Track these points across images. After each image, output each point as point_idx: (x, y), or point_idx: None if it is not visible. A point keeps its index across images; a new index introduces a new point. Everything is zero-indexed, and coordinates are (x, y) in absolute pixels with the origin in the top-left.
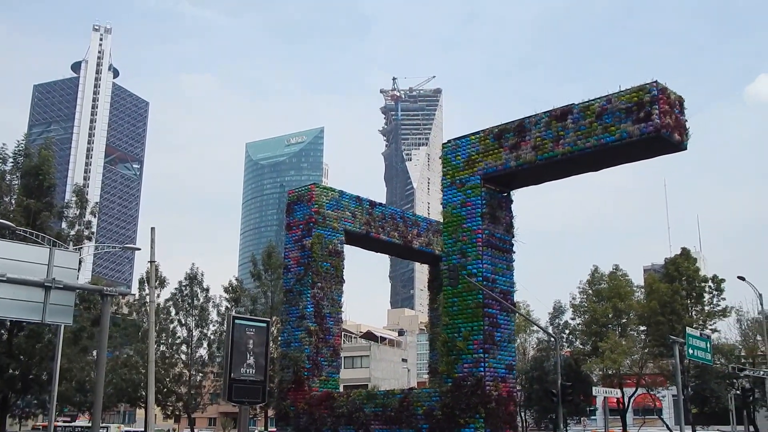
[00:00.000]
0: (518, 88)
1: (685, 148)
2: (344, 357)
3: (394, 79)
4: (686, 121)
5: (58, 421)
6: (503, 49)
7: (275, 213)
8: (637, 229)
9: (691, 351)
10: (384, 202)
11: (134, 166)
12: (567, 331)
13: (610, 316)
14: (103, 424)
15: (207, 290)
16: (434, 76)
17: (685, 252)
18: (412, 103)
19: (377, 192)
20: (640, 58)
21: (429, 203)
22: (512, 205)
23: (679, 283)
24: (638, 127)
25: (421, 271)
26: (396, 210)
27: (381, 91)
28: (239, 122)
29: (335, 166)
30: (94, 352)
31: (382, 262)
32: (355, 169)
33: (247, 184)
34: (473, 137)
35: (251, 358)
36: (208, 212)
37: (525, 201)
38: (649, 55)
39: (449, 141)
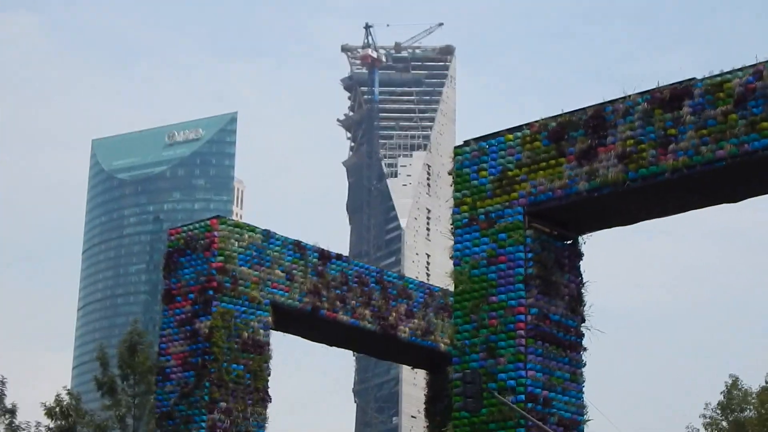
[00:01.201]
0: (584, 52)
1: None
2: None
3: (367, 27)
4: None
5: None
6: None
7: (144, 268)
8: None
9: None
10: (346, 251)
11: None
12: None
13: None
14: None
15: (12, 413)
16: (440, 24)
17: None
18: (399, 72)
19: (334, 233)
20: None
21: (428, 255)
22: (581, 263)
23: None
24: None
25: (413, 383)
26: (368, 268)
27: (343, 50)
28: (81, 104)
29: (256, 185)
30: None
31: (342, 363)
32: (293, 191)
33: (92, 213)
34: (510, 137)
35: None
36: (18, 267)
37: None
38: None
39: (467, 143)
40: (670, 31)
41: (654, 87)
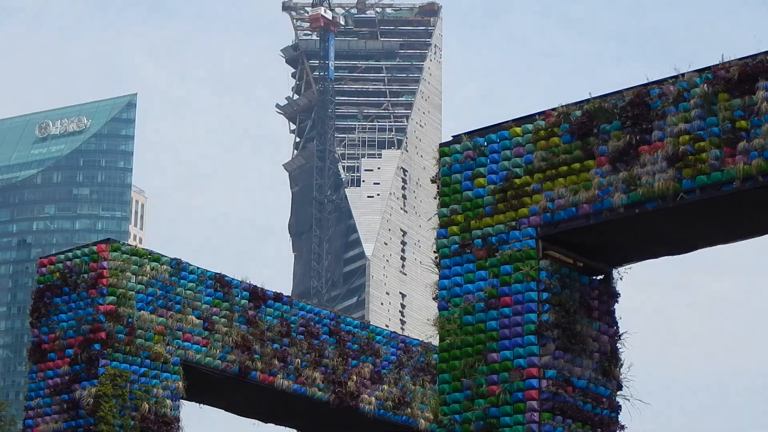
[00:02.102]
0: (622, 12)
1: None
2: None
3: None
4: None
5: None
6: None
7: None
8: None
9: None
10: (288, 289)
11: None
12: None
13: None
14: None
15: None
16: None
17: None
18: (363, 39)
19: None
20: None
21: (403, 295)
22: (616, 305)
23: None
24: None
25: None
26: (319, 312)
27: (286, 8)
28: None
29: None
30: None
31: None
32: (213, 206)
33: None
34: (518, 130)
35: None
36: None
37: None
38: None
39: (457, 138)
40: None
41: (717, 63)
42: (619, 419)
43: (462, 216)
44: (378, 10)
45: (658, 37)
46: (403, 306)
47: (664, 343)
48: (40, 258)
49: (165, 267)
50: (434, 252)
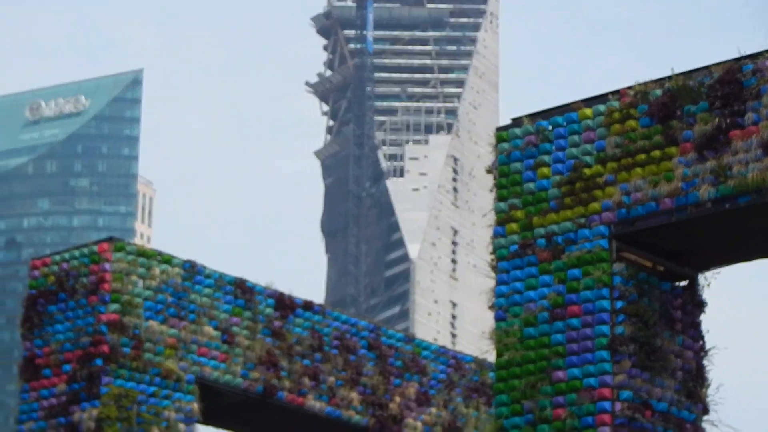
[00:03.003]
0: None
1: None
2: None
3: None
4: None
5: None
6: None
7: None
8: None
9: None
10: (321, 297)
11: None
12: None
13: None
14: None
15: None
16: None
17: None
18: (408, 6)
19: (302, 266)
20: None
21: (454, 303)
22: (702, 316)
23: None
24: None
25: None
26: (356, 323)
27: None
28: None
29: (173, 188)
30: None
31: None
32: (233, 200)
33: None
34: (588, 112)
35: None
36: None
37: None
38: None
39: (517, 121)
40: None
41: None
42: None
43: (523, 212)
44: None
45: (751, 3)
46: (453, 317)
47: (758, 360)
48: (33, 259)
49: (177, 270)
50: (490, 254)
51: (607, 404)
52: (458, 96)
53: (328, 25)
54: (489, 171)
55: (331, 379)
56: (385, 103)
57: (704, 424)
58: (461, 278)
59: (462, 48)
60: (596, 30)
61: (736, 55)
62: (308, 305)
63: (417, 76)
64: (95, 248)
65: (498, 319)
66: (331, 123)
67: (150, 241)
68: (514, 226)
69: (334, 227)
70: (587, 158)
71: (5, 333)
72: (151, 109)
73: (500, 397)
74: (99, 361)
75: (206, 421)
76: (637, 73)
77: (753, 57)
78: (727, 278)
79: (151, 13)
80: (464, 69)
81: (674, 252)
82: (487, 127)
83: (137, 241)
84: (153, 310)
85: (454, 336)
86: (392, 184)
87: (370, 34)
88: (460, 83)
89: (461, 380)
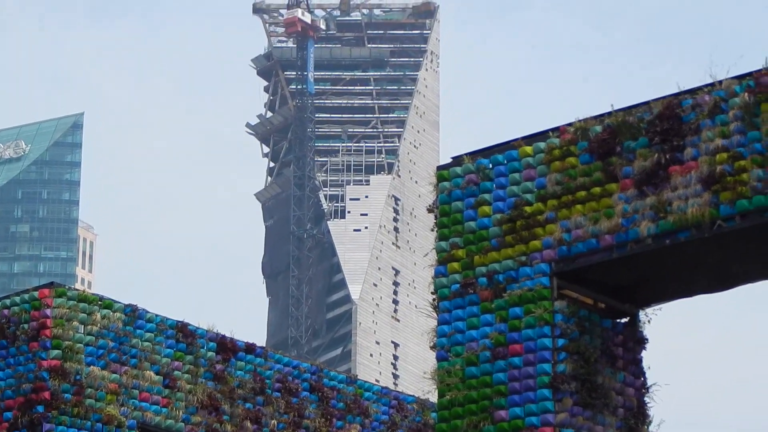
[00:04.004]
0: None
1: None
2: None
3: None
4: None
5: None
6: None
7: None
8: None
9: None
10: (262, 339)
11: None
12: None
13: None
14: None
15: None
16: None
17: None
18: (348, 46)
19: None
20: None
21: (396, 344)
22: (643, 353)
23: None
24: None
25: None
26: (298, 365)
27: (257, 10)
28: None
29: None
30: None
31: None
32: (174, 243)
33: None
34: (528, 149)
35: None
36: None
37: None
38: None
39: (458, 160)
40: None
41: (761, 68)
42: None
43: (464, 251)
44: (365, 11)
45: (691, 37)
46: (395, 357)
47: (700, 396)
48: None
49: (118, 315)
50: (432, 293)
51: None
52: (399, 136)
53: (268, 66)
54: (430, 210)
55: (273, 422)
56: (326, 144)
57: None
58: (403, 318)
59: (402, 87)
60: (537, 68)
61: (675, 90)
62: (250, 348)
63: (358, 116)
64: (36, 294)
65: (440, 359)
66: (272, 164)
67: (91, 286)
68: (455, 265)
69: (275, 269)
70: (528, 196)
71: None
72: (91, 153)
73: None
74: (40, 408)
75: None
76: (579, 109)
77: (692, 92)
78: (668, 314)
79: (91, 56)
80: (405, 109)
81: (615, 289)
82: (427, 167)
83: (78, 286)
84: (94, 355)
85: (396, 377)
86: (333, 225)
87: (311, 74)
88: (400, 123)
89: (404, 421)
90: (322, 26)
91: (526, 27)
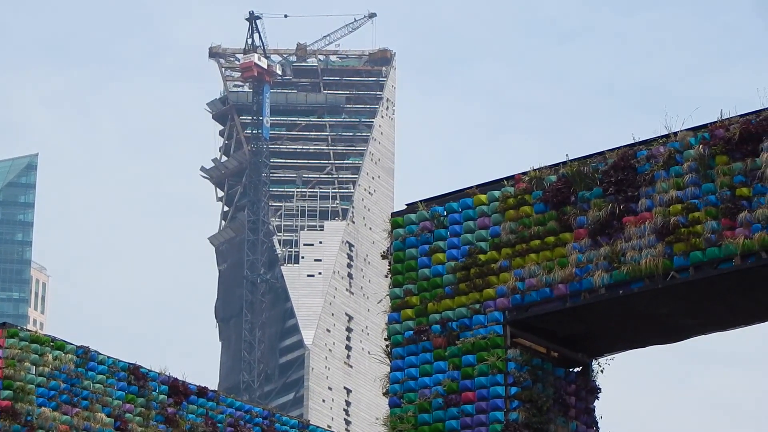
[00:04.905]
0: (600, 58)
1: None
2: None
3: (252, 19)
4: None
5: None
6: None
7: None
8: None
9: None
10: (215, 383)
11: None
12: None
13: None
14: None
15: None
16: (372, 15)
17: None
18: (304, 92)
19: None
20: None
21: (348, 390)
22: (596, 402)
23: None
24: None
25: None
26: (250, 410)
27: (213, 54)
28: None
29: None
30: None
31: None
32: (127, 285)
33: None
34: (483, 198)
35: None
36: None
37: None
38: None
39: (412, 207)
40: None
41: (716, 120)
42: None
43: (417, 298)
44: (321, 58)
45: (649, 90)
46: (348, 403)
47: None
48: None
49: (70, 356)
50: (385, 340)
51: None
52: (354, 182)
53: (224, 110)
54: (384, 257)
55: None
56: (280, 189)
57: None
58: (355, 364)
59: (358, 134)
60: (493, 115)
61: (630, 141)
62: (202, 391)
63: (313, 162)
64: None
65: (392, 405)
66: (226, 209)
67: (43, 327)
68: (409, 312)
69: (228, 313)
70: (482, 244)
71: None
72: (44, 194)
73: None
74: None
75: None
76: (533, 158)
77: (647, 143)
78: (620, 364)
79: (46, 97)
80: (360, 155)
81: (568, 338)
82: (382, 213)
83: (30, 327)
84: (46, 396)
85: (348, 423)
86: (287, 270)
87: (267, 119)
88: (355, 169)
89: None
90: (279, 71)
91: (483, 77)
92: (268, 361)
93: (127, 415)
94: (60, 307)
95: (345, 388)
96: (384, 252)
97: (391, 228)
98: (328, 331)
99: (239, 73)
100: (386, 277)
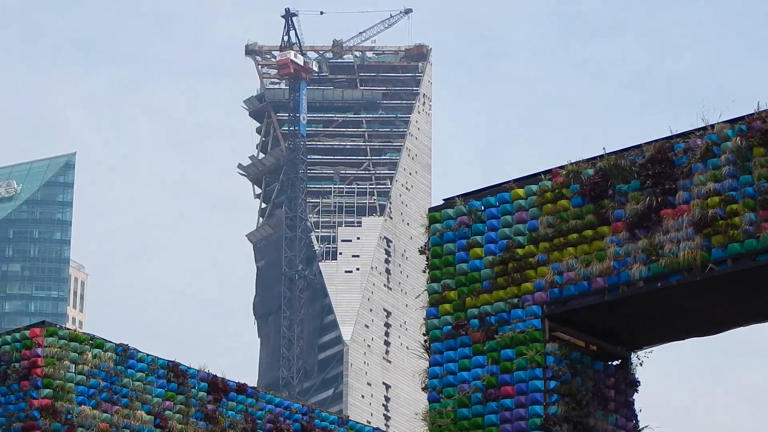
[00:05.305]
0: (639, 53)
1: None
2: None
3: (288, 16)
4: None
5: None
6: None
7: None
8: None
9: None
10: (254, 380)
11: None
12: None
13: None
14: None
15: None
16: (408, 12)
17: None
18: (340, 88)
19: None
20: None
21: (387, 386)
22: (635, 395)
23: None
24: None
25: None
26: (290, 406)
27: (250, 52)
28: None
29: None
30: None
31: None
32: (165, 283)
33: None
34: (520, 192)
35: None
36: None
37: None
38: None
39: (450, 202)
40: None
41: (753, 112)
42: None
43: (455, 292)
44: (357, 54)
45: (684, 82)
46: (387, 398)
47: None
48: None
49: (109, 354)
50: (423, 335)
51: None
52: (391, 178)
53: (261, 107)
54: (422, 252)
55: None
56: (317, 186)
57: None
58: (394, 360)
59: (395, 130)
60: (528, 109)
61: (667, 134)
62: (241, 388)
63: (350, 158)
64: (27, 333)
65: (431, 400)
66: (264, 205)
67: (82, 326)
68: (447, 306)
69: (266, 310)
70: (520, 238)
71: None
72: (83, 192)
73: None
74: None
75: None
76: (571, 152)
77: (684, 136)
78: (659, 357)
79: (84, 96)
80: (397, 151)
81: (607, 331)
82: (419, 209)
83: (69, 325)
84: (85, 394)
85: (387, 418)
86: (325, 266)
87: (303, 116)
88: (392, 165)
89: None
90: (315, 68)
91: (518, 72)
92: (307, 358)
93: (167, 412)
94: (98, 305)
95: (384, 383)
96: (421, 247)
97: (428, 223)
98: (367, 326)
99: (276, 71)
100: (424, 272)
